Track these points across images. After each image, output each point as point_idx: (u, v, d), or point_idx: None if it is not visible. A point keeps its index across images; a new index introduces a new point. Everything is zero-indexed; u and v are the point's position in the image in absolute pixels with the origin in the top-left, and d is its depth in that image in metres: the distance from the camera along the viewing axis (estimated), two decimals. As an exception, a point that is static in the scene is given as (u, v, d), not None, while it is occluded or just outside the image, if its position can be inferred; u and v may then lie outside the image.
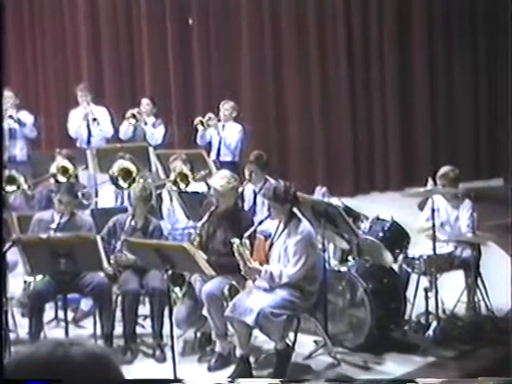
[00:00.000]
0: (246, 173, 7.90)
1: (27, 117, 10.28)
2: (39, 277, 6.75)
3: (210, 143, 9.59)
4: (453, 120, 11.94)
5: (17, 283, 7.29)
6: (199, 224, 6.54)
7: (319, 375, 6.23)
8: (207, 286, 6.33)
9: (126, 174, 7.74)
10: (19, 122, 10.13)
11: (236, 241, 6.14)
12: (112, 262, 6.71)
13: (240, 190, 7.12)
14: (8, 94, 10.20)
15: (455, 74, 11.93)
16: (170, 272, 5.94)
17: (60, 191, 7.08)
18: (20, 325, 6.90)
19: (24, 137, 10.22)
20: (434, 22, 11.75)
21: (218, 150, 9.51)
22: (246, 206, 7.76)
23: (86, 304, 7.34)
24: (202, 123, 9.45)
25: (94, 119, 10.01)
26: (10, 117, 10.08)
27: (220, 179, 6.66)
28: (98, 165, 8.75)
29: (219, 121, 9.61)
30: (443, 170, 7.26)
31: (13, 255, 6.47)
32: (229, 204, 6.58)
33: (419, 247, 7.05)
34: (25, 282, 7.21)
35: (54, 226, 6.83)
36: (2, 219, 6.22)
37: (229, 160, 9.44)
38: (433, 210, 6.78)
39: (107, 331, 6.66)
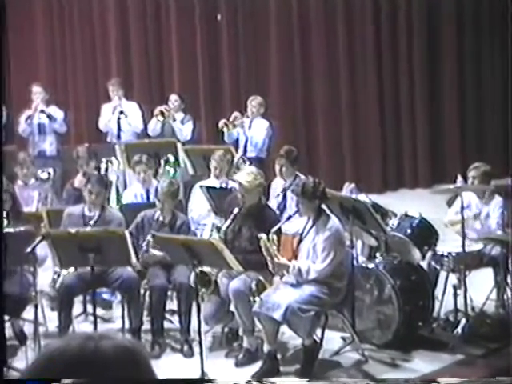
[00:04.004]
0: (277, 168, 7.91)
1: (57, 112, 10.37)
2: (69, 270, 6.80)
3: (237, 140, 9.60)
4: (482, 116, 11.86)
5: (46, 277, 7.34)
6: (223, 227, 6.55)
7: (347, 372, 6.23)
8: (234, 282, 6.34)
9: None
10: (49, 116, 10.21)
11: (263, 236, 6.14)
12: (140, 260, 6.74)
13: (265, 186, 7.12)
14: (38, 89, 10.30)
15: (484, 71, 11.85)
16: (197, 270, 5.96)
17: (90, 182, 7.11)
18: (49, 319, 6.97)
19: (54, 132, 10.31)
20: (463, 21, 11.69)
21: (245, 147, 9.52)
22: (275, 202, 7.76)
23: (107, 295, 7.45)
24: (226, 125, 9.45)
25: (121, 112, 10.06)
26: (42, 111, 10.18)
27: (246, 175, 6.66)
28: (127, 160, 8.79)
29: (247, 117, 9.61)
30: (474, 165, 7.23)
31: (42, 249, 6.52)
32: (253, 201, 6.57)
33: (448, 244, 7.01)
34: (54, 276, 7.27)
35: (87, 220, 6.88)
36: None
37: (256, 156, 9.44)
38: (462, 207, 6.73)
39: (135, 326, 6.69)
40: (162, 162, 8.67)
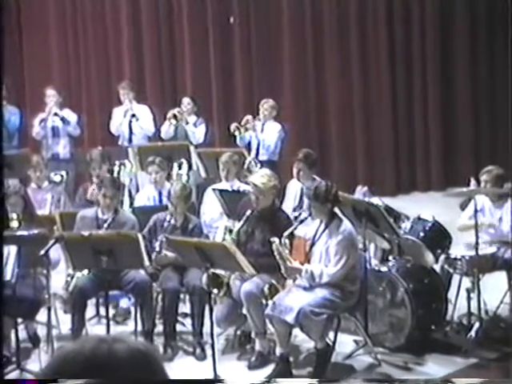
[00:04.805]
0: (294, 171, 7.88)
1: (71, 115, 10.41)
2: (82, 273, 6.81)
3: (249, 143, 9.60)
4: (495, 119, 11.81)
5: (59, 280, 7.36)
6: (236, 228, 6.56)
7: (360, 375, 6.21)
8: (246, 285, 6.34)
9: None
10: (63, 119, 10.25)
11: (276, 240, 6.14)
12: (153, 262, 6.75)
13: (279, 189, 7.11)
14: (51, 92, 10.34)
15: (498, 73, 11.80)
16: (210, 272, 5.97)
17: (103, 185, 7.13)
18: (62, 321, 6.98)
19: (67, 135, 10.35)
20: (476, 23, 11.65)
21: (257, 150, 9.53)
22: (291, 204, 7.74)
23: (125, 302, 7.42)
24: (238, 129, 9.46)
25: (133, 115, 10.08)
26: (56, 114, 10.21)
27: (261, 177, 6.67)
28: (140, 163, 8.81)
29: (259, 120, 9.62)
30: (487, 168, 7.21)
31: (55, 252, 6.54)
32: (267, 203, 6.57)
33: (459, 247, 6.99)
34: (67, 279, 7.28)
35: (100, 223, 6.90)
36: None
37: (268, 159, 9.44)
38: (475, 211, 6.71)
39: (148, 329, 6.70)
40: (175, 165, 8.67)
